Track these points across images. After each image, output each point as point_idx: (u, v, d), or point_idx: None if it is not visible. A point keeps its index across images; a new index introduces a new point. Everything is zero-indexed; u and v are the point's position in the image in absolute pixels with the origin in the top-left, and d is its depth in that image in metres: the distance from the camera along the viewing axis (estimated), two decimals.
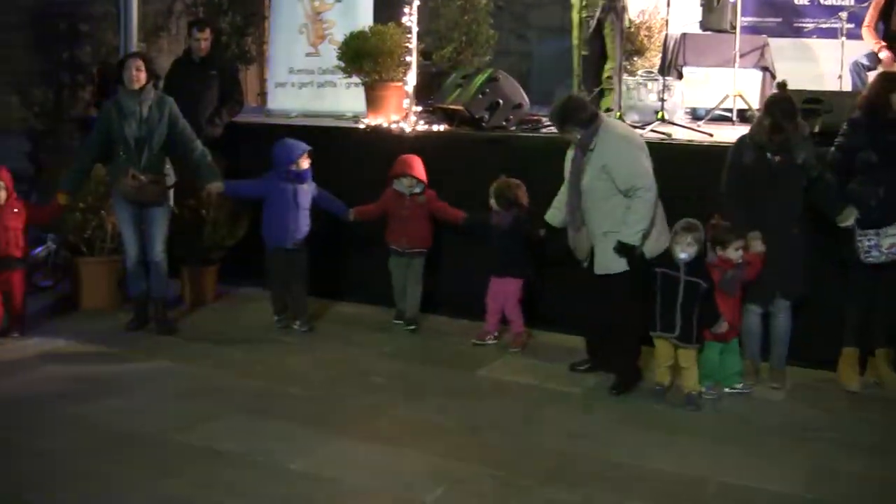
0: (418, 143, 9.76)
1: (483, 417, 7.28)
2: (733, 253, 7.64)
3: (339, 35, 11.12)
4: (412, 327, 9.43)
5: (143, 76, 9.00)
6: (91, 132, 9.43)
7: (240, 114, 10.85)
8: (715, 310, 7.66)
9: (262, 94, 14.16)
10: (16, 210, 9.18)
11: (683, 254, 7.50)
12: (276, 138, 9.64)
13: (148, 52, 11.10)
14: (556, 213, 8.35)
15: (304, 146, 9.28)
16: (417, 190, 9.26)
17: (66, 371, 8.33)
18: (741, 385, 7.90)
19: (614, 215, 7.68)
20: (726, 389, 7.88)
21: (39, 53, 11.24)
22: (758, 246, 7.64)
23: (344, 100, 11.50)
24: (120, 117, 9.01)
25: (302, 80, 11.99)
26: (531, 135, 9.72)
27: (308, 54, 11.98)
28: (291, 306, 9.53)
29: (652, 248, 7.73)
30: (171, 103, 9.18)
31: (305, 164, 9.25)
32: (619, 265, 7.71)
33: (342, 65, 10.61)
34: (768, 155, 7.68)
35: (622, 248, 7.63)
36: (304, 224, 9.33)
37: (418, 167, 9.23)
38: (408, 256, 9.39)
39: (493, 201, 8.79)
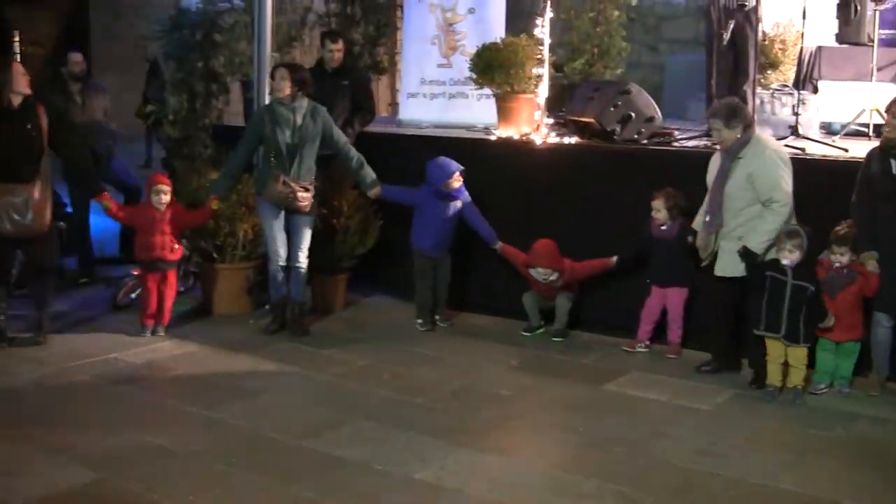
0: (549, 156, 9.73)
1: (609, 432, 7.20)
2: (835, 258, 7.86)
3: (472, 46, 11.14)
4: (561, 338, 9.43)
5: (287, 86, 9.20)
6: (242, 138, 9.66)
7: (371, 124, 10.96)
8: (821, 308, 7.82)
9: (394, 105, 14.26)
10: (171, 213, 9.46)
11: (786, 260, 7.76)
12: (407, 148, 9.84)
13: (281, 61, 11.21)
14: (699, 218, 8.49)
15: (456, 167, 9.47)
16: (553, 278, 9.34)
17: (196, 374, 8.48)
18: (848, 390, 8.04)
19: (748, 222, 7.94)
20: (838, 390, 8.05)
21: (174, 63, 11.43)
22: (871, 266, 7.76)
23: (475, 111, 11.51)
24: (273, 124, 9.22)
25: (433, 91, 12.03)
26: (663, 148, 9.62)
27: (440, 65, 12.02)
28: (438, 305, 9.86)
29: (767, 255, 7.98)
30: (325, 113, 9.39)
31: (456, 183, 9.45)
32: (739, 269, 8.00)
33: (474, 76, 10.62)
34: (892, 163, 7.64)
35: (746, 254, 7.91)
36: (450, 236, 9.67)
37: (552, 257, 9.34)
38: (549, 300, 9.61)
39: (660, 213, 8.81)
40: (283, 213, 9.40)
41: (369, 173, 9.57)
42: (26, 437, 7.04)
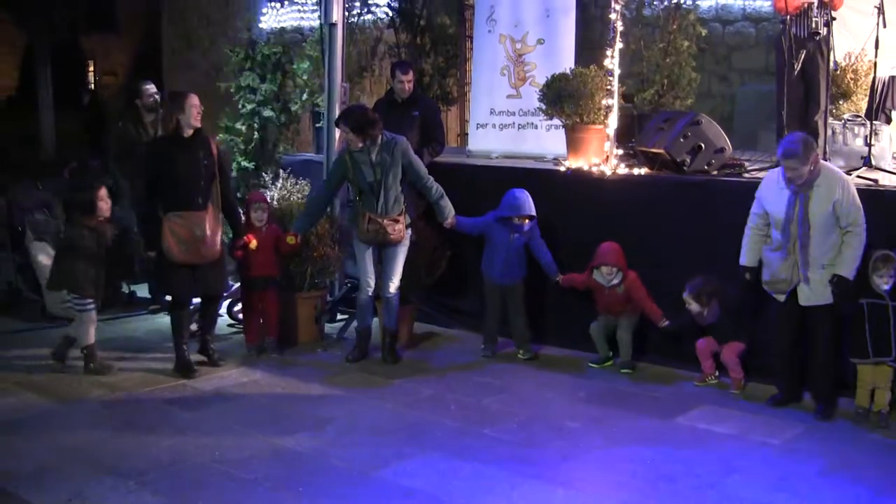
0: (618, 187, 9.70)
1: (679, 466, 7.13)
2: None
3: (541, 77, 11.14)
4: (629, 370, 9.37)
5: (354, 139, 9.31)
6: (325, 180, 9.91)
7: (441, 154, 10.99)
8: None
9: (463, 135, 14.28)
10: (271, 233, 9.73)
11: (886, 285, 7.83)
12: (476, 179, 9.83)
13: (352, 92, 11.29)
14: (752, 255, 8.44)
15: (530, 212, 9.58)
16: (615, 281, 9.33)
17: (264, 402, 8.54)
18: None
19: (833, 249, 7.95)
20: None
21: (247, 92, 11.56)
22: None
23: (545, 142, 11.50)
24: (353, 164, 9.36)
25: (503, 122, 12.03)
26: (734, 179, 9.54)
27: (509, 96, 12.03)
28: (514, 337, 9.87)
29: None
30: (402, 143, 9.48)
31: (527, 225, 9.52)
32: (827, 297, 7.99)
33: (543, 107, 10.62)
34: None
35: (840, 283, 7.91)
36: (519, 264, 9.72)
37: (615, 256, 9.34)
38: (614, 319, 9.54)
39: (692, 304, 8.90)
40: (375, 244, 9.55)
41: (448, 204, 9.63)
42: (94, 461, 7.15)
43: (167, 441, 7.55)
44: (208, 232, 9.05)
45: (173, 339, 9.38)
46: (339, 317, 10.86)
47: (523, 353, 9.78)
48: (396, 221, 9.41)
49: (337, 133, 10.41)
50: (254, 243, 9.60)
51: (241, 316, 10.42)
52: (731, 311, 8.88)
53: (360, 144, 9.28)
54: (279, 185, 10.63)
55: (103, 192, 9.44)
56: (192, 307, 9.55)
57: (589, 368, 9.48)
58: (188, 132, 9.06)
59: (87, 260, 9.25)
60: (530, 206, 9.60)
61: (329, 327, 10.56)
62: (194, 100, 9.11)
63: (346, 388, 8.86)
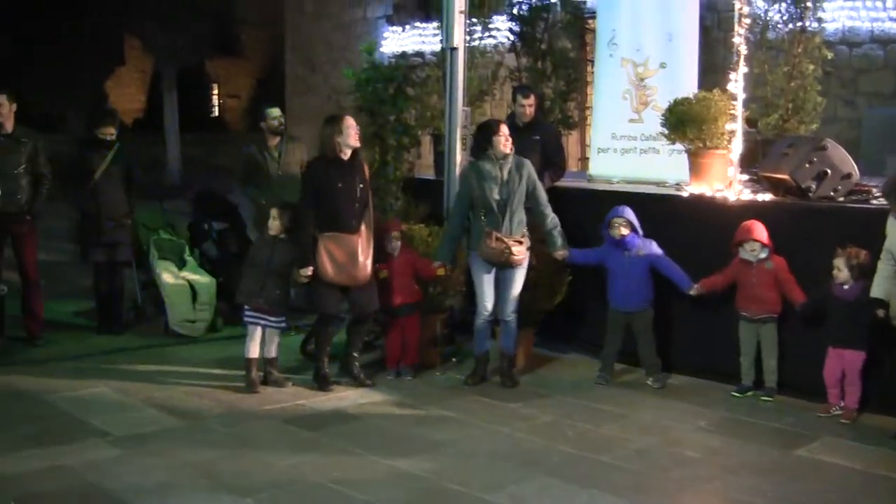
0: (742, 213, 9.55)
1: (799, 499, 6.98)
2: None
3: (663, 101, 11.03)
4: (770, 398, 9.19)
5: (503, 142, 9.42)
6: (455, 203, 9.90)
7: (561, 179, 10.96)
8: None
9: (584, 160, 14.23)
10: (409, 259, 9.83)
11: None
12: (597, 204, 9.86)
13: (473, 115, 11.31)
14: (884, 287, 8.22)
15: (615, 213, 9.52)
16: (763, 255, 9.12)
17: (381, 424, 8.57)
18: None
19: None
20: None
21: (367, 116, 11.63)
22: None
23: (666, 167, 11.38)
24: (480, 181, 9.37)
25: (624, 146, 11.94)
26: (861, 206, 9.34)
27: (631, 120, 11.93)
28: (643, 365, 9.78)
29: None
30: (530, 166, 9.53)
31: (621, 231, 9.39)
32: None
33: (666, 131, 10.52)
34: None
35: None
36: (642, 288, 9.60)
37: (759, 231, 9.11)
38: (758, 323, 9.24)
39: (842, 272, 8.58)
40: (494, 267, 9.49)
41: (560, 236, 9.60)
42: (213, 478, 7.25)
43: (285, 460, 7.61)
44: (361, 254, 9.24)
45: (316, 352, 9.65)
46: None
47: (653, 381, 9.65)
48: (520, 243, 9.41)
49: (458, 157, 10.46)
50: (383, 273, 9.67)
51: (310, 350, 10.44)
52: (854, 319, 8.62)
53: (509, 150, 9.44)
54: (398, 207, 10.69)
55: (275, 210, 9.66)
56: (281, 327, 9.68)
57: (711, 397, 9.32)
58: (346, 153, 9.24)
59: (262, 275, 9.51)
60: (628, 213, 9.52)
61: (448, 350, 10.57)
62: (350, 121, 9.34)
63: (463, 412, 8.85)
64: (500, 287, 9.56)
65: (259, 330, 9.56)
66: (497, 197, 9.37)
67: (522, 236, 9.47)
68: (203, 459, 7.62)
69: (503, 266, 9.47)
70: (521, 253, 9.41)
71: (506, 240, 9.32)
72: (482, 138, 9.61)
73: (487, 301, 9.57)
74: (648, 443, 8.11)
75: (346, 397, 9.25)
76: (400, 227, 9.98)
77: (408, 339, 9.92)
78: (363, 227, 9.30)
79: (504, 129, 9.51)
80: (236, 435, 8.21)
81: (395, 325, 9.90)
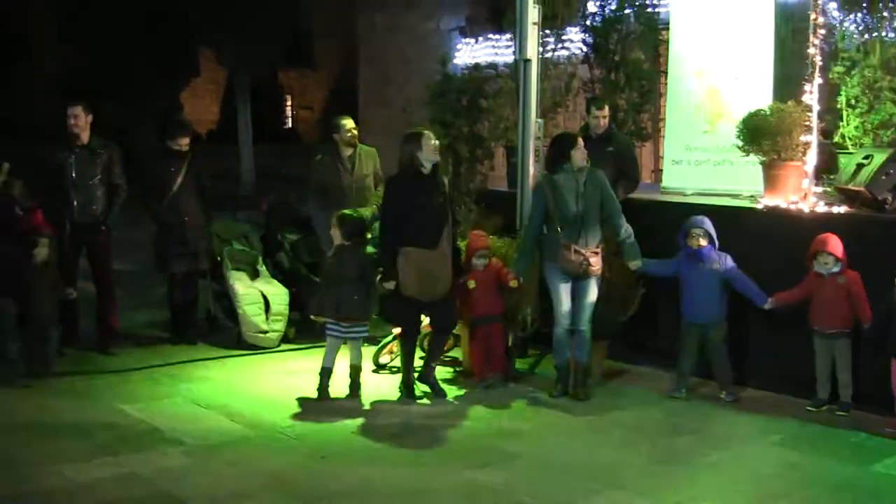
0: (817, 225, 9.45)
1: None
2: None
3: (737, 113, 10.94)
4: (845, 413, 9.05)
5: (586, 157, 9.49)
6: (530, 215, 9.90)
7: (635, 190, 10.91)
8: None
9: (657, 171, 14.13)
10: (495, 270, 9.86)
11: None
12: (670, 216, 9.78)
13: (546, 127, 11.30)
14: None
15: (693, 223, 9.44)
16: (836, 269, 9.02)
17: (454, 435, 8.60)
18: None
19: None
20: None
21: (441, 127, 11.66)
22: None
23: (741, 179, 11.25)
24: (556, 194, 9.40)
25: (698, 158, 11.83)
26: None
27: (705, 132, 11.82)
28: (716, 378, 9.66)
29: None
30: (604, 178, 9.57)
31: (699, 241, 9.31)
32: None
33: (740, 143, 10.43)
34: None
35: None
36: (716, 301, 9.51)
37: (833, 244, 9.00)
38: (830, 338, 9.12)
39: None
40: (571, 278, 9.50)
41: (634, 247, 9.58)
42: (285, 487, 7.32)
43: (356, 471, 7.64)
44: (441, 269, 9.33)
45: (402, 365, 9.73)
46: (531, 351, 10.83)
47: (726, 395, 9.54)
48: (596, 254, 9.44)
49: (531, 169, 10.45)
50: (472, 283, 9.69)
51: (382, 362, 10.51)
52: None
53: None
54: (471, 218, 10.70)
55: (334, 220, 9.83)
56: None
57: (786, 410, 9.21)
58: (427, 169, 9.31)
59: (334, 284, 9.62)
60: (707, 224, 9.46)
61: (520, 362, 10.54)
62: (431, 136, 9.43)
63: (535, 423, 8.85)
64: (576, 297, 9.55)
65: (338, 342, 9.65)
66: (574, 209, 9.38)
67: (598, 247, 9.48)
68: (275, 469, 7.67)
69: (580, 277, 9.48)
70: (597, 264, 9.44)
71: (583, 251, 9.34)
72: (558, 151, 9.60)
73: (565, 311, 9.56)
74: (722, 457, 8.05)
75: (417, 409, 9.28)
76: (486, 244, 9.97)
77: (493, 349, 9.91)
78: (444, 242, 9.35)
79: (581, 143, 9.53)
80: (308, 445, 8.26)
81: (480, 336, 9.89)
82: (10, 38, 38.87)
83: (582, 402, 9.46)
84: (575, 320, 9.57)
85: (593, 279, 9.51)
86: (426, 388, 9.65)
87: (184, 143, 11.41)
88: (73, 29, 32.98)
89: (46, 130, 12.25)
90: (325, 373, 9.59)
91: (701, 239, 9.42)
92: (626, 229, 9.56)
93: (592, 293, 9.54)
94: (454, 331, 10.36)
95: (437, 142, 9.46)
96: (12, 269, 9.80)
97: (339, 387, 9.64)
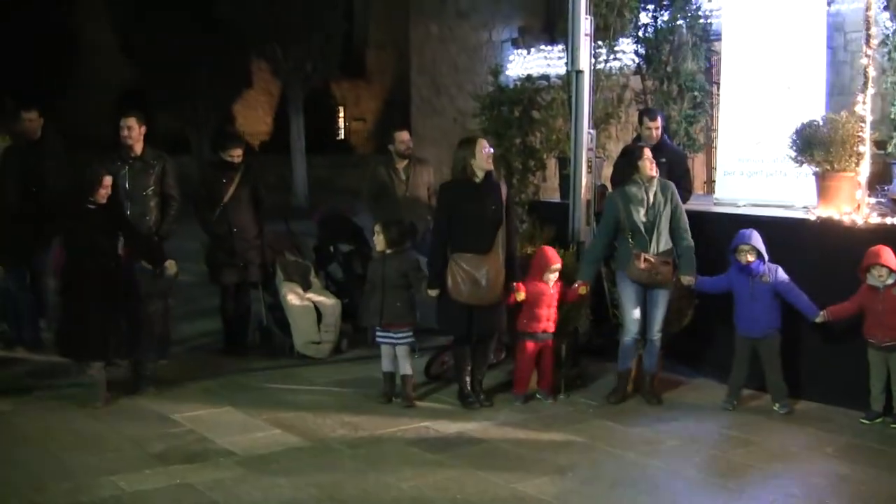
0: (871, 237, 9.37)
1: None
2: None
3: (790, 124, 10.85)
4: None
5: (654, 168, 9.58)
6: (600, 224, 9.99)
7: (688, 202, 10.86)
8: None
9: (710, 182, 14.08)
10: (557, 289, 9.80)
11: None
12: (723, 227, 9.84)
13: (599, 138, 11.29)
14: None
15: (741, 238, 9.38)
16: (890, 281, 8.95)
17: (505, 447, 8.56)
18: None
19: None
20: None
21: (493, 138, 11.67)
22: None
23: (794, 190, 11.20)
24: (626, 204, 9.48)
25: (751, 169, 11.79)
26: None
27: (758, 143, 11.78)
28: (769, 390, 9.61)
29: None
30: (674, 189, 9.65)
31: (747, 257, 9.30)
32: None
33: (793, 154, 10.37)
34: None
35: None
36: (768, 314, 9.45)
37: (887, 256, 8.93)
38: (885, 350, 9.04)
39: None
40: (642, 287, 9.57)
41: (691, 262, 9.62)
42: (337, 499, 7.33)
43: (408, 482, 7.66)
44: (491, 275, 9.30)
45: (454, 373, 9.80)
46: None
47: (779, 407, 9.46)
48: (667, 263, 9.49)
49: (583, 180, 10.45)
50: (521, 295, 9.63)
51: (435, 372, 10.51)
52: None
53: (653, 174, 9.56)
54: (523, 230, 10.69)
55: (378, 226, 9.93)
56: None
57: (842, 422, 9.14)
58: (479, 175, 9.35)
59: (379, 292, 9.73)
60: (755, 239, 9.39)
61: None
62: (484, 143, 9.46)
63: (587, 436, 8.81)
64: (647, 307, 9.63)
65: (390, 349, 9.73)
66: (644, 219, 9.49)
67: (669, 257, 9.53)
68: (327, 480, 7.70)
69: (650, 286, 9.54)
70: (667, 273, 9.51)
71: (653, 260, 9.42)
72: (627, 163, 9.74)
73: (634, 320, 9.64)
74: (775, 469, 7.99)
75: (469, 419, 9.27)
76: (558, 258, 9.87)
77: (545, 364, 9.87)
78: (496, 248, 9.36)
79: (648, 154, 9.61)
80: (360, 456, 8.28)
81: (532, 351, 9.79)
82: (68, 51, 39.22)
83: (633, 414, 9.43)
84: (645, 329, 9.63)
85: (664, 288, 9.59)
86: (476, 398, 9.65)
87: (236, 154, 11.49)
88: (129, 42, 33.29)
89: (103, 142, 12.36)
90: (385, 377, 9.78)
91: (749, 255, 9.36)
92: (688, 243, 9.62)
93: (663, 302, 9.62)
94: (507, 341, 10.38)
95: (490, 149, 9.49)
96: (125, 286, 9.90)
97: (394, 394, 9.77)
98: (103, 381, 9.73)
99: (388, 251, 9.80)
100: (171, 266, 10.14)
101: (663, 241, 9.55)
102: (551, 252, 9.89)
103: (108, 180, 9.61)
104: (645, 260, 9.44)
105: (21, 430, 9.01)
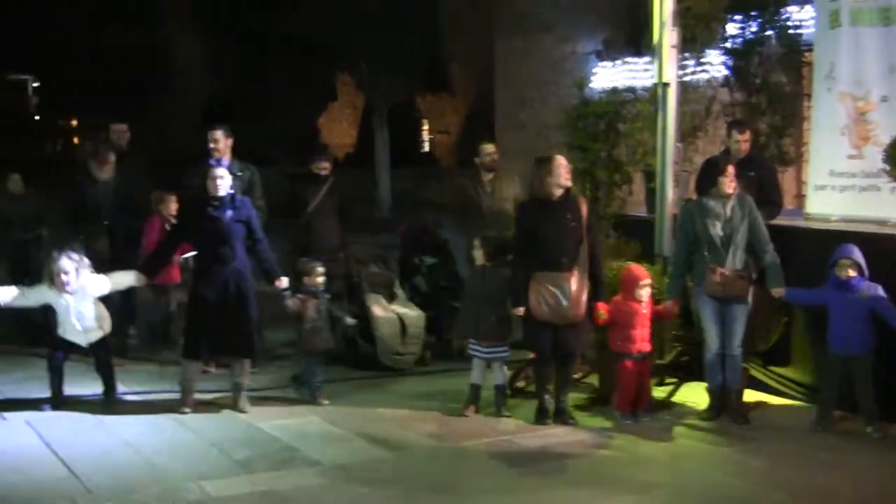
0: None
1: None
2: None
3: (885, 136, 10.65)
4: None
5: (734, 185, 9.46)
6: (677, 239, 9.90)
7: (777, 216, 10.70)
8: None
9: (800, 197, 13.86)
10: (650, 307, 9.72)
11: None
12: (814, 242, 9.69)
13: (686, 152, 11.17)
14: None
15: (842, 252, 9.17)
16: None
17: (588, 463, 8.52)
18: None
19: None
20: None
21: (579, 152, 11.61)
22: None
23: (889, 204, 10.95)
24: (703, 218, 9.40)
25: (843, 184, 11.53)
26: None
27: (850, 156, 11.52)
28: (861, 413, 9.33)
29: None
30: (752, 203, 9.54)
31: (848, 272, 9.07)
32: None
33: (888, 168, 10.17)
34: None
35: None
36: (863, 332, 9.20)
37: None
38: None
39: None
40: (719, 302, 9.46)
41: (778, 274, 9.47)
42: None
43: (491, 495, 7.66)
44: (573, 293, 9.24)
45: (536, 389, 9.75)
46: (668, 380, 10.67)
47: (873, 430, 9.19)
48: (743, 278, 9.36)
49: (670, 194, 10.34)
50: (603, 315, 9.50)
51: (519, 386, 10.46)
52: None
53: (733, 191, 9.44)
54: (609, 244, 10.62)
55: (477, 241, 9.94)
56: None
57: None
58: (557, 193, 9.30)
59: (476, 306, 9.78)
60: (856, 254, 9.18)
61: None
62: (561, 160, 9.43)
63: (672, 454, 8.71)
64: (725, 321, 9.48)
65: (482, 361, 9.74)
66: (720, 233, 9.37)
67: (745, 272, 9.39)
68: (409, 491, 7.71)
69: (726, 300, 9.41)
70: (744, 287, 9.36)
71: (729, 275, 9.29)
72: (707, 176, 9.59)
73: (715, 335, 9.52)
74: (865, 494, 7.82)
75: (553, 434, 9.21)
76: (647, 273, 9.78)
77: (644, 384, 9.74)
78: (576, 266, 9.28)
79: (730, 170, 9.49)
80: (442, 469, 8.28)
81: (633, 370, 9.62)
82: (158, 66, 39.89)
83: (719, 433, 9.28)
84: (725, 344, 9.49)
85: (741, 303, 9.43)
86: (553, 417, 9.56)
87: (323, 166, 11.60)
88: (216, 56, 33.75)
89: (188, 156, 12.50)
90: (473, 389, 9.77)
91: (849, 269, 9.15)
92: (772, 256, 9.46)
93: (741, 317, 9.46)
94: (590, 357, 10.28)
95: (567, 166, 9.41)
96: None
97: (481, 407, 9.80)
98: (193, 387, 9.84)
99: (488, 265, 9.78)
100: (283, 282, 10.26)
101: (739, 256, 9.41)
102: (638, 269, 9.78)
103: (218, 171, 9.72)
104: (720, 274, 9.31)
105: (112, 434, 9.14)
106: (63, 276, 9.63)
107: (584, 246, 9.36)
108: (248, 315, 9.88)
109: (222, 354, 10.16)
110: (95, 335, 9.92)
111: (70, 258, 9.71)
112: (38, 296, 9.92)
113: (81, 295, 9.77)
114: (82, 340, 9.88)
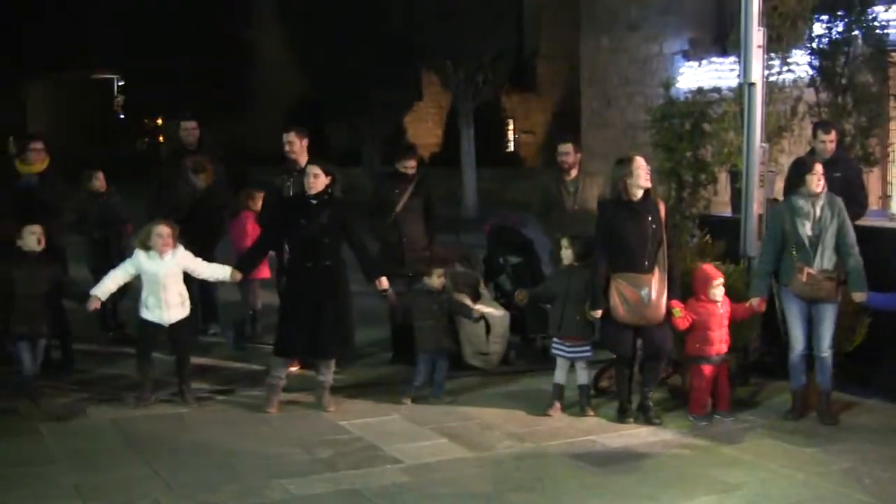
0: None
1: None
2: None
3: None
4: None
5: (822, 184, 9.40)
6: (765, 236, 9.91)
7: (862, 217, 10.63)
8: None
9: (886, 197, 13.74)
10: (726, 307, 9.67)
11: None
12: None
13: (771, 152, 11.11)
14: None
15: None
16: None
17: (671, 463, 8.50)
18: None
19: None
20: None
21: (664, 152, 11.59)
22: None
23: None
24: (792, 217, 9.39)
25: None
26: None
27: None
28: None
29: None
30: (841, 204, 9.47)
31: None
32: None
33: None
34: None
35: None
36: None
37: None
38: None
39: None
40: (807, 303, 9.44)
41: (861, 278, 9.39)
42: None
43: (570, 495, 7.68)
44: (653, 295, 9.28)
45: (617, 390, 9.79)
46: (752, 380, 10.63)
47: None
48: (830, 279, 9.32)
49: (755, 194, 10.29)
50: (678, 312, 9.48)
51: (602, 386, 10.44)
52: None
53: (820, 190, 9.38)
54: (694, 244, 10.59)
55: (566, 240, 10.02)
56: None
57: None
58: (637, 194, 9.35)
59: (561, 305, 9.85)
60: None
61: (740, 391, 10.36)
62: (641, 161, 9.44)
63: (756, 455, 8.67)
64: (813, 323, 9.46)
65: (565, 361, 9.79)
66: (809, 233, 9.35)
67: (833, 273, 9.35)
68: (491, 491, 7.76)
69: (814, 301, 9.37)
70: (831, 288, 9.32)
71: (818, 276, 9.25)
72: (796, 174, 9.58)
73: (799, 336, 9.51)
74: None
75: (636, 434, 9.22)
76: (719, 273, 9.74)
77: (721, 386, 9.72)
78: (656, 267, 9.31)
79: (818, 168, 9.45)
80: (525, 468, 8.31)
81: (710, 374, 9.62)
82: (245, 69, 40.32)
83: (804, 434, 9.21)
84: (814, 346, 9.46)
85: (829, 304, 9.38)
86: (645, 411, 9.59)
87: (410, 165, 11.68)
88: (304, 56, 34.04)
89: (276, 156, 12.69)
90: (555, 389, 9.83)
91: None
92: (856, 259, 9.38)
93: (830, 318, 9.41)
94: (674, 357, 10.27)
95: (647, 168, 9.43)
96: None
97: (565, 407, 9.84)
98: (280, 386, 9.96)
99: (575, 264, 9.84)
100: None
101: (828, 257, 9.36)
102: (710, 268, 9.75)
103: (314, 170, 9.85)
104: (808, 275, 9.27)
105: (195, 432, 9.31)
106: (162, 239, 9.81)
107: (663, 247, 9.38)
108: (343, 315, 10.00)
109: (315, 355, 10.17)
110: (177, 313, 10.02)
111: (169, 224, 9.92)
112: (131, 264, 9.99)
113: (173, 265, 9.93)
114: (164, 318, 9.96)
